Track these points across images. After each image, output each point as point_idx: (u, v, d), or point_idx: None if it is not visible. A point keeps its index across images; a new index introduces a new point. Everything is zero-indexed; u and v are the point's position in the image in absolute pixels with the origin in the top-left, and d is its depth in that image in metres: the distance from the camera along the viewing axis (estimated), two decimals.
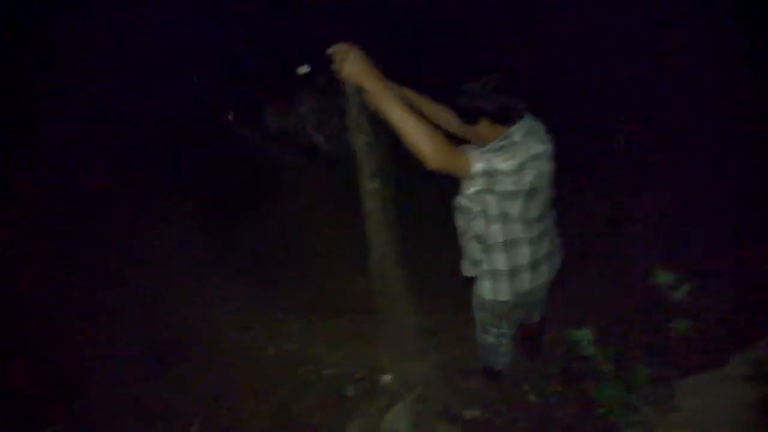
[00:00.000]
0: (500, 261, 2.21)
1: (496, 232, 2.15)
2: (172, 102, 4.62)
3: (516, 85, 1.96)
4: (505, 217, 2.10)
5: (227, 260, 3.78)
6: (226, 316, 3.44)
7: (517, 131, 1.99)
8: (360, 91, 1.88)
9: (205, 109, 4.73)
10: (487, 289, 2.29)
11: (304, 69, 2.57)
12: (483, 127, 2.01)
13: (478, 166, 1.88)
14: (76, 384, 3.08)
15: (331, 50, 1.80)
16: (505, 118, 1.99)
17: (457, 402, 2.85)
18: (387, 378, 2.87)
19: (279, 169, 4.15)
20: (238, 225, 4.04)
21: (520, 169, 1.92)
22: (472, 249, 2.31)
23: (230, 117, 4.85)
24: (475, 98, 1.95)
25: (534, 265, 2.23)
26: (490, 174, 1.90)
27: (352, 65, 1.75)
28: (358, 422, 2.75)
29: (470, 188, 2.00)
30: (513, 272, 2.23)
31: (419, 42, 4.75)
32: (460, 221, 2.30)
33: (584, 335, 2.00)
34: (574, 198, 3.26)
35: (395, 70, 1.99)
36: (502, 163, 1.89)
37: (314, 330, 3.33)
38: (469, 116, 2.00)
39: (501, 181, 1.93)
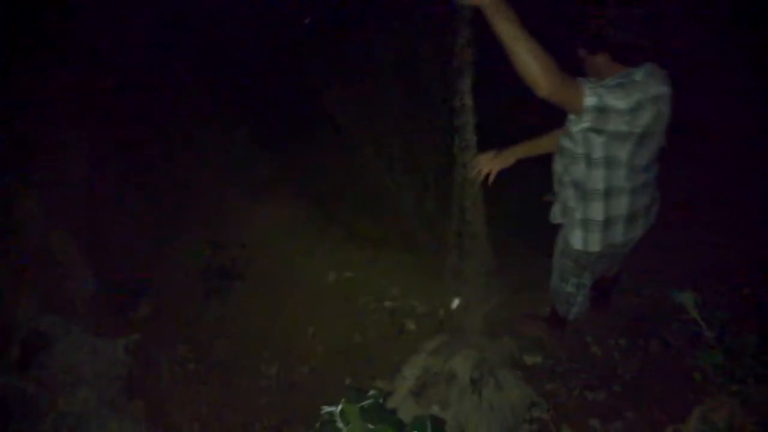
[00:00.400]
0: (596, 210, 2.12)
1: (598, 177, 2.03)
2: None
3: (652, 25, 1.78)
4: (610, 162, 1.98)
5: (288, 184, 3.72)
6: (285, 239, 3.42)
7: (638, 71, 1.84)
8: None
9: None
10: (577, 238, 2.21)
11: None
12: (601, 59, 1.86)
13: (589, 100, 1.74)
14: (144, 292, 3.13)
15: None
16: (628, 57, 1.83)
17: (518, 347, 2.83)
18: (456, 303, 2.81)
19: (350, 102, 4.01)
20: (302, 150, 3.96)
21: (637, 108, 1.78)
22: (566, 195, 2.21)
23: (306, 21, 4.60)
24: (604, 26, 1.78)
25: (630, 218, 2.13)
26: (601, 110, 1.76)
27: None
28: (416, 359, 2.75)
29: (578, 125, 1.87)
30: (607, 223, 2.13)
31: None
32: (559, 164, 2.20)
33: (688, 297, 1.92)
34: None
35: None
36: (617, 101, 1.75)
37: (376, 261, 3.31)
38: (590, 43, 1.84)
39: (613, 120, 1.79)
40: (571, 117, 1.88)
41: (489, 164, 2.32)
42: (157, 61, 3.89)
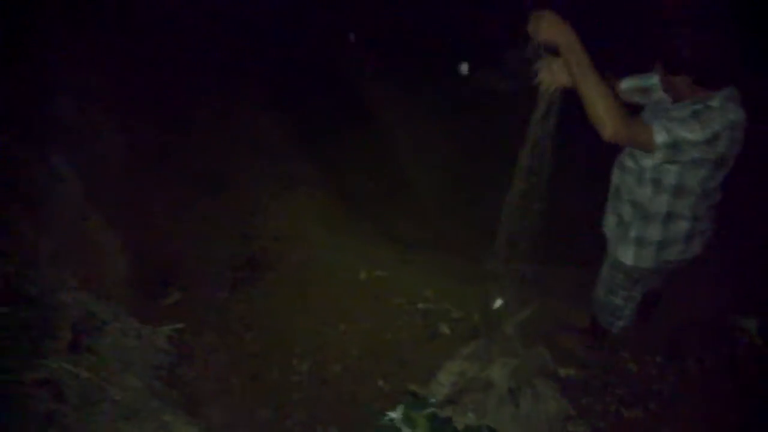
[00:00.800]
0: (654, 232, 2.10)
1: (662, 203, 2.02)
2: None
3: (735, 49, 1.75)
4: (679, 190, 1.97)
5: (322, 179, 3.67)
6: (317, 233, 3.38)
7: (717, 96, 1.81)
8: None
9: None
10: (629, 255, 2.20)
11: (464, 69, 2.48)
12: (681, 81, 1.83)
13: (660, 138, 1.75)
14: (173, 279, 3.07)
15: (531, 17, 1.72)
16: (709, 82, 1.80)
17: (553, 357, 2.80)
18: (498, 303, 2.74)
19: (385, 100, 3.99)
20: (337, 146, 3.91)
21: (713, 139, 1.78)
22: (623, 210, 2.19)
23: (351, 38, 4.63)
24: (689, 49, 1.75)
25: (688, 239, 2.11)
26: (674, 146, 1.77)
27: (550, 25, 1.68)
28: (451, 365, 2.71)
29: (650, 160, 1.88)
30: (663, 244, 2.12)
31: None
32: (620, 180, 2.17)
33: (752, 323, 1.89)
34: None
35: None
36: (691, 134, 1.75)
37: (409, 262, 3.27)
38: (672, 65, 1.81)
39: (687, 151, 1.80)
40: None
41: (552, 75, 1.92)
42: (193, 51, 3.83)
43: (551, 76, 1.85)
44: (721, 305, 2.82)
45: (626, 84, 2.16)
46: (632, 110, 1.88)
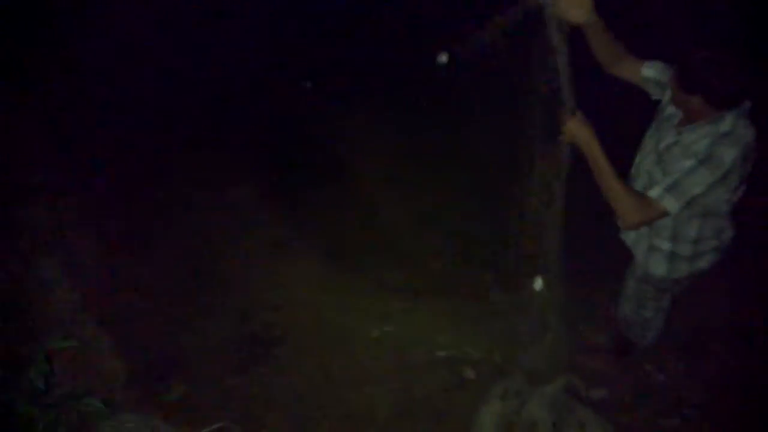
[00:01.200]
0: (685, 249, 2.17)
1: (692, 228, 2.10)
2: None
3: (746, 73, 1.85)
4: (705, 213, 2.04)
5: (306, 239, 3.57)
6: (316, 296, 3.27)
7: (728, 117, 1.89)
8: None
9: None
10: (661, 268, 2.24)
11: (443, 58, 2.49)
12: (695, 101, 1.91)
13: (674, 207, 1.87)
14: (172, 372, 2.86)
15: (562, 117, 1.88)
16: (722, 103, 1.89)
17: (583, 382, 2.80)
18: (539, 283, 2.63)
19: (353, 142, 3.98)
20: (314, 203, 3.83)
21: (725, 175, 1.86)
22: (646, 227, 2.23)
23: (308, 85, 4.61)
24: (707, 73, 1.83)
25: (717, 250, 2.18)
26: (690, 202, 1.87)
27: (578, 130, 1.85)
28: (489, 408, 2.65)
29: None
30: (694, 257, 2.18)
31: None
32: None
33: None
34: None
35: None
36: (701, 186, 1.84)
37: (413, 312, 3.22)
38: (689, 85, 1.89)
39: (705, 197, 1.88)
40: None
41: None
42: (156, 123, 3.69)
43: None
44: (731, 305, 2.93)
45: (648, 71, 2.14)
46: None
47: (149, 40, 4.04)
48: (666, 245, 2.18)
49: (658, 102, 2.19)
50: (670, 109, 2.06)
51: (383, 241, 3.63)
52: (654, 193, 1.86)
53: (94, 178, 3.20)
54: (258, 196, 3.79)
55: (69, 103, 3.42)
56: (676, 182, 1.84)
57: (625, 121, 2.77)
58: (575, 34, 1.90)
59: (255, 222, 3.64)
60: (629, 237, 2.37)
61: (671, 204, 1.84)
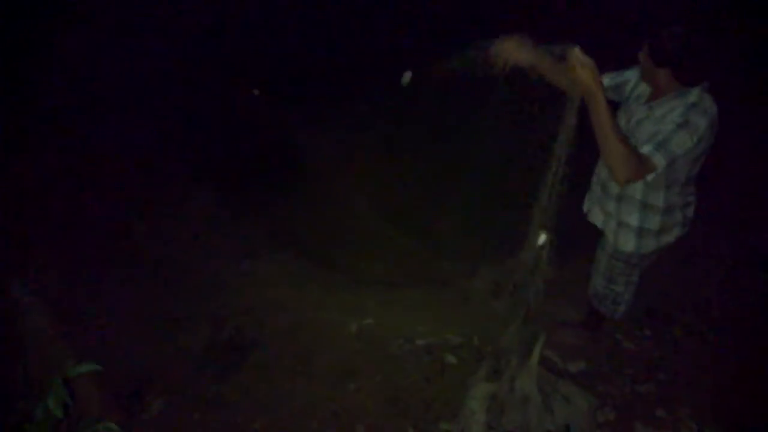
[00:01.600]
0: (654, 222, 2.26)
1: (659, 197, 2.18)
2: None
3: (711, 52, 1.95)
4: (671, 183, 2.13)
5: (277, 240, 3.51)
6: (290, 296, 3.21)
7: (694, 91, 2.00)
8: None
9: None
10: (631, 243, 2.33)
11: (407, 77, 2.49)
12: (663, 74, 2.00)
13: (660, 163, 1.91)
14: (148, 387, 2.75)
15: (568, 51, 1.78)
16: (689, 77, 1.98)
17: (560, 356, 2.89)
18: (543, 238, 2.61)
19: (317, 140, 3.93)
20: (282, 206, 3.75)
21: (699, 141, 1.97)
22: (609, 205, 2.32)
23: (255, 93, 4.51)
24: (676, 47, 1.92)
25: (683, 224, 2.30)
26: (672, 162, 1.95)
27: (585, 70, 1.75)
28: (477, 390, 2.69)
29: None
30: (662, 231, 2.28)
31: None
32: (608, 177, 2.30)
33: None
34: None
35: None
36: (683, 146, 1.93)
37: (389, 303, 3.22)
38: (659, 58, 1.98)
39: (681, 159, 1.98)
40: None
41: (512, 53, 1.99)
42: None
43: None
44: (685, 273, 3.10)
45: (604, 81, 2.20)
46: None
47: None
48: (634, 221, 2.27)
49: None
50: (639, 90, 2.15)
51: (354, 240, 3.61)
52: (646, 149, 1.91)
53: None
54: (223, 204, 3.68)
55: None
56: (664, 141, 1.91)
57: None
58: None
59: (223, 229, 3.53)
60: (598, 218, 2.46)
61: (660, 160, 1.89)
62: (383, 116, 4.08)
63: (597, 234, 2.60)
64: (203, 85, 4.41)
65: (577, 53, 1.75)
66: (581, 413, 2.66)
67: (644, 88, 2.15)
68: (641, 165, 1.87)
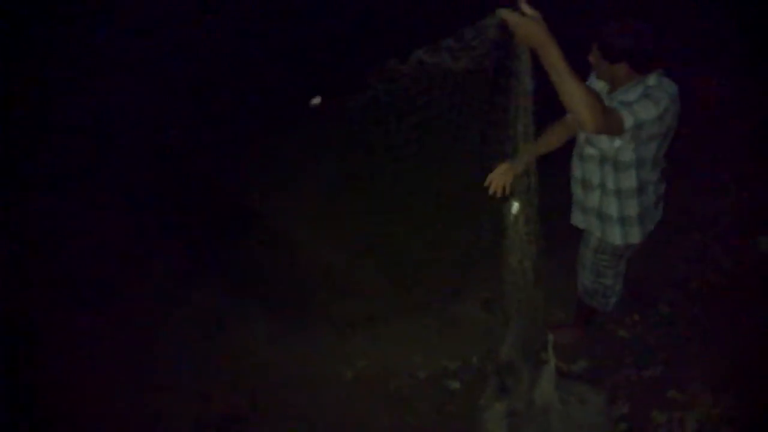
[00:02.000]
0: (632, 206, 2.28)
1: (630, 178, 2.20)
2: None
3: (662, 38, 2.00)
4: (640, 163, 2.16)
5: (241, 300, 3.32)
6: (271, 356, 3.03)
7: (651, 77, 2.05)
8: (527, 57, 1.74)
9: None
10: (617, 235, 2.35)
11: (316, 101, 2.45)
12: (621, 69, 2.03)
13: (628, 122, 1.90)
14: None
15: (503, 14, 1.62)
16: (646, 66, 2.02)
17: (562, 359, 2.86)
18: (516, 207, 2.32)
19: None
20: (242, 255, 3.58)
21: (664, 113, 2.00)
22: (594, 198, 2.33)
23: (173, 133, 4.33)
24: (624, 38, 1.96)
25: (656, 203, 2.34)
26: (638, 127, 1.94)
27: (528, 25, 1.60)
28: (493, 412, 2.61)
29: (610, 143, 2.04)
30: (642, 215, 2.31)
31: None
32: (582, 170, 2.32)
33: None
34: None
35: None
36: (648, 113, 1.94)
37: (379, 341, 3.09)
38: (612, 55, 2.01)
39: (647, 129, 1.98)
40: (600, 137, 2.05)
41: (503, 177, 2.40)
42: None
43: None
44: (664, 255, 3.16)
45: None
46: None
47: None
48: (614, 211, 2.28)
49: None
50: (596, 85, 2.18)
51: (321, 280, 3.47)
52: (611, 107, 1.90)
53: None
54: (180, 265, 3.47)
55: None
56: (628, 104, 1.92)
57: None
58: None
59: (184, 296, 3.31)
60: (578, 219, 2.47)
61: (627, 117, 1.87)
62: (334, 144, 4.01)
63: (572, 229, 2.61)
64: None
65: (506, 14, 1.61)
66: (598, 411, 2.63)
67: (602, 86, 2.18)
68: (609, 115, 1.81)
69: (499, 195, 2.40)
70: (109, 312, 3.16)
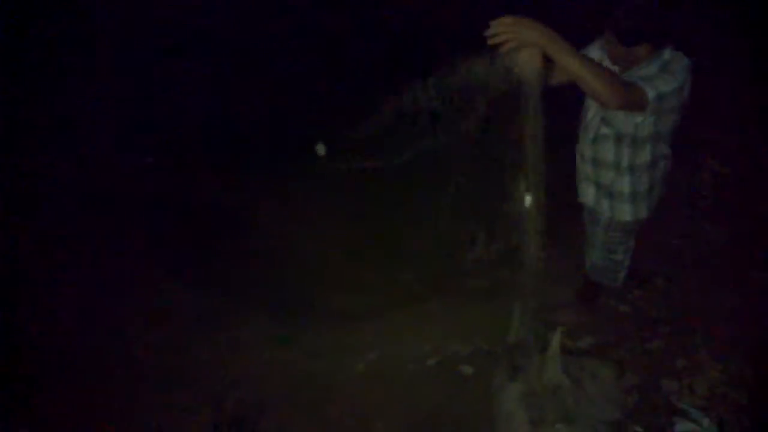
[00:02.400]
0: (643, 182, 2.31)
1: (645, 152, 2.23)
2: None
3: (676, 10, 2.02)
4: (657, 137, 2.19)
5: (244, 306, 3.28)
6: (280, 355, 3.00)
7: (665, 51, 2.07)
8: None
9: None
10: (628, 211, 2.38)
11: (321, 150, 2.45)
12: (640, 50, 2.03)
13: (651, 95, 1.91)
14: None
15: (494, 25, 1.62)
16: (663, 40, 2.04)
17: (569, 337, 2.90)
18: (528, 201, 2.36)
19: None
20: (230, 269, 3.53)
21: (683, 84, 2.02)
22: (605, 177, 2.36)
23: (149, 160, 4.28)
24: (639, 20, 1.97)
25: (664, 180, 2.39)
26: (660, 99, 1.95)
27: (529, 29, 1.61)
28: (508, 396, 2.62)
29: (630, 119, 2.06)
30: (650, 190, 2.36)
31: None
32: (595, 151, 2.33)
33: None
34: None
35: None
36: (669, 85, 1.96)
37: (387, 332, 3.09)
38: (630, 38, 2.01)
39: (667, 101, 1.99)
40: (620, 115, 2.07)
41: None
42: None
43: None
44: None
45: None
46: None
47: None
48: (626, 187, 2.32)
49: None
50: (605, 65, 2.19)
51: (321, 277, 3.45)
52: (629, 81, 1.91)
53: None
54: (180, 266, 3.41)
55: None
56: (648, 78, 1.93)
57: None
58: None
59: (184, 298, 3.26)
60: (588, 197, 2.49)
61: (649, 90, 1.89)
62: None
63: (571, 210, 2.65)
64: None
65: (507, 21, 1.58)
66: (610, 383, 2.67)
67: (611, 64, 2.20)
68: (631, 90, 1.84)
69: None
70: (110, 315, 3.09)
